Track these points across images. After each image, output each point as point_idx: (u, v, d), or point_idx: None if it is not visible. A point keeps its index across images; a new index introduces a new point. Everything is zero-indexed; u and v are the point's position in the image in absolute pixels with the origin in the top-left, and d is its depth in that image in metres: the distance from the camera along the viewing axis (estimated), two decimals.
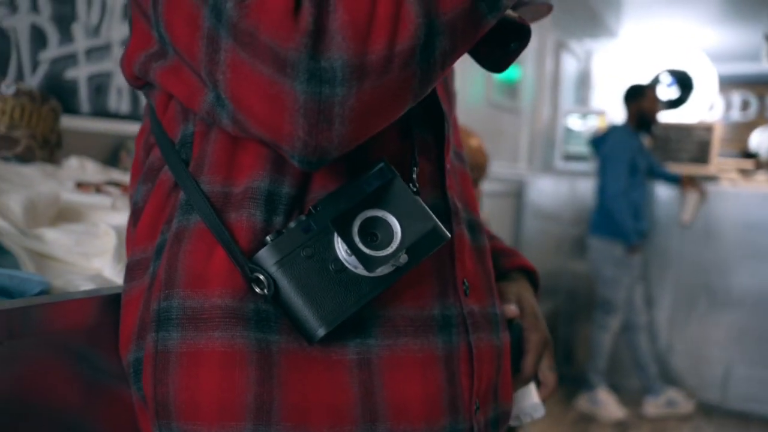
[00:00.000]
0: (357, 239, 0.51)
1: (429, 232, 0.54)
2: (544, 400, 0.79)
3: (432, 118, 0.65)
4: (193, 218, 0.56)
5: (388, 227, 0.52)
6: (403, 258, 0.54)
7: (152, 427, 0.55)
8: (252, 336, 0.52)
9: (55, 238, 0.86)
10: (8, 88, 1.27)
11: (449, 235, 0.57)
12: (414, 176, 0.58)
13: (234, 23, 0.45)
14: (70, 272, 0.80)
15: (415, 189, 0.57)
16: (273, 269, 0.52)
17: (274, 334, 0.53)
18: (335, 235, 0.52)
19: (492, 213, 3.72)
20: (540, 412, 0.77)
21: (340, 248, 0.53)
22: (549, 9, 0.69)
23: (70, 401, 0.64)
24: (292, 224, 0.54)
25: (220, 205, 0.56)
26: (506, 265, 0.83)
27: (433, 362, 0.57)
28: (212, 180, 0.56)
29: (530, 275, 0.85)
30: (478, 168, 2.11)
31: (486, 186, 3.62)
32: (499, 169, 3.94)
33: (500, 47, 0.61)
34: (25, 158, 1.26)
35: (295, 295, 0.52)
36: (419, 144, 0.62)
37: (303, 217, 0.54)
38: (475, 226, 0.70)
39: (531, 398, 0.76)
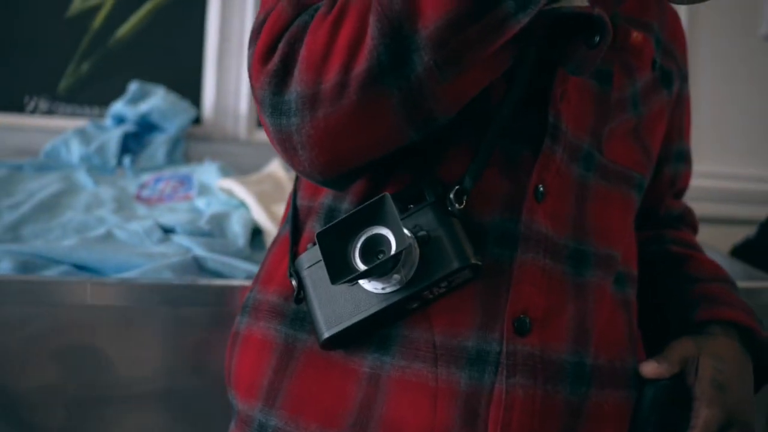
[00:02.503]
0: (356, 255, 0.52)
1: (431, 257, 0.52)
2: None
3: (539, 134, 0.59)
4: (286, 227, 0.66)
5: (390, 246, 0.52)
6: (395, 279, 0.52)
7: None
8: (283, 330, 0.59)
9: None
10: None
11: (464, 262, 0.52)
12: (451, 196, 0.54)
13: (248, 70, 0.54)
14: None
15: (450, 208, 0.54)
16: (304, 273, 0.58)
17: (304, 333, 0.58)
18: (349, 249, 0.54)
19: None
20: None
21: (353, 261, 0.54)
22: None
23: None
24: None
25: (303, 217, 0.64)
26: (700, 317, 0.67)
27: (448, 396, 0.53)
28: (303, 196, 0.65)
29: (748, 333, 0.66)
30: None
31: None
32: None
33: (585, 43, 0.53)
34: None
35: (313, 299, 0.56)
36: (499, 160, 0.58)
37: None
38: (587, 259, 0.59)
39: None
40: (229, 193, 1.20)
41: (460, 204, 0.55)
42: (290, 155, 0.52)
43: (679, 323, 0.68)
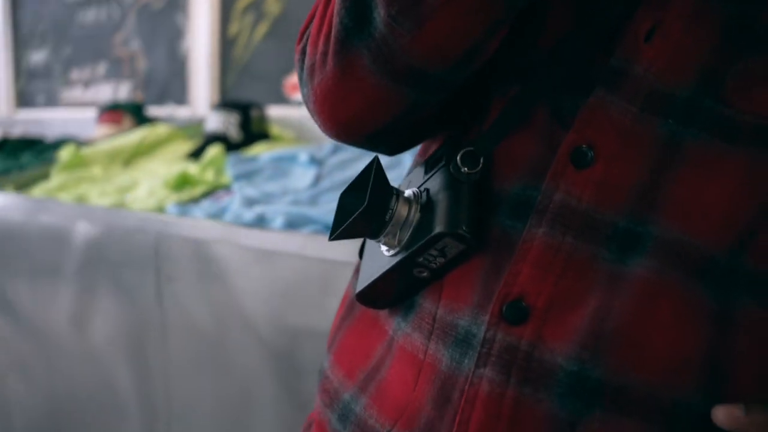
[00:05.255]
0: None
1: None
2: None
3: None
4: None
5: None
6: (383, 240, 0.51)
7: None
8: (355, 284, 0.63)
9: None
10: None
11: (446, 229, 0.47)
12: (458, 158, 0.50)
13: None
14: None
15: (454, 172, 0.50)
16: None
17: None
18: None
19: None
20: None
21: None
22: None
23: None
24: None
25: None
26: None
27: (429, 373, 0.49)
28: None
29: None
30: None
31: None
32: None
33: None
34: None
35: (364, 256, 0.60)
36: (542, 117, 0.50)
37: None
38: (642, 243, 0.44)
39: None
40: None
41: (472, 168, 0.50)
42: (313, 121, 0.57)
43: None
